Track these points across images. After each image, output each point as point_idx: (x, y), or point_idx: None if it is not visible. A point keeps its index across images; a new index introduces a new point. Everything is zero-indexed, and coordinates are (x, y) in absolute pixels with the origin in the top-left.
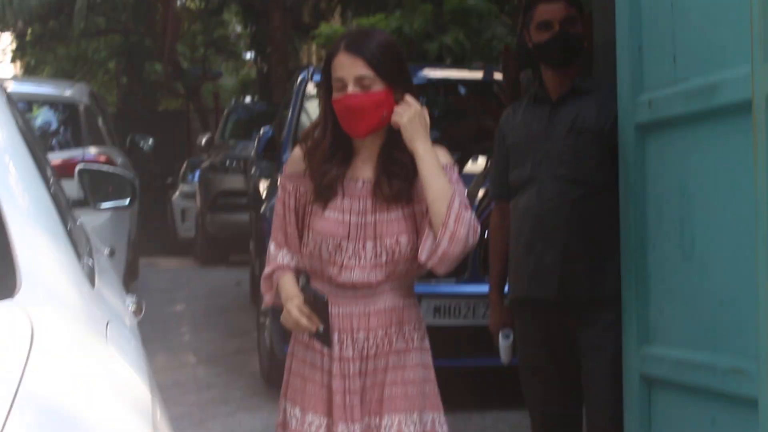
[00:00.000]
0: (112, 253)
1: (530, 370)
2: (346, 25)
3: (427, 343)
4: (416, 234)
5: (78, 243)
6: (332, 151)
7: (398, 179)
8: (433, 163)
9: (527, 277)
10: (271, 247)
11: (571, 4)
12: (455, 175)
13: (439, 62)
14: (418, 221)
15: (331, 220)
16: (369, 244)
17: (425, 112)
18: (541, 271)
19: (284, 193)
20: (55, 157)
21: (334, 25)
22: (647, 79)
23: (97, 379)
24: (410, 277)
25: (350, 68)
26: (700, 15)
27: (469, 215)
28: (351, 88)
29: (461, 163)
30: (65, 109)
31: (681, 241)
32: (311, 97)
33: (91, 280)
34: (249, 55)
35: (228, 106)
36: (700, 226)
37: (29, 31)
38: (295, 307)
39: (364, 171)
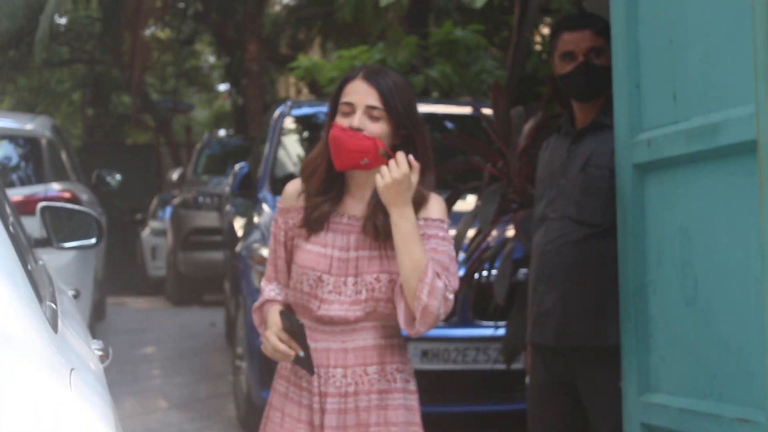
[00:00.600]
0: (76, 295)
1: (535, 419)
2: (326, 57)
3: (412, 386)
4: (397, 275)
5: (39, 285)
6: (327, 183)
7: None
8: (407, 231)
9: (531, 321)
10: (263, 281)
11: (599, 33)
12: (444, 230)
13: (424, 96)
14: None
15: (313, 253)
16: (350, 280)
17: (413, 175)
18: (540, 316)
19: (276, 226)
20: (16, 194)
21: (312, 57)
22: (646, 118)
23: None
24: (393, 317)
25: (364, 96)
26: (700, 53)
27: (440, 286)
28: (359, 115)
29: (449, 202)
30: (26, 143)
31: (683, 286)
32: (289, 131)
33: (54, 325)
34: (223, 87)
35: (201, 140)
36: (702, 270)
37: None
38: (272, 334)
39: (352, 207)
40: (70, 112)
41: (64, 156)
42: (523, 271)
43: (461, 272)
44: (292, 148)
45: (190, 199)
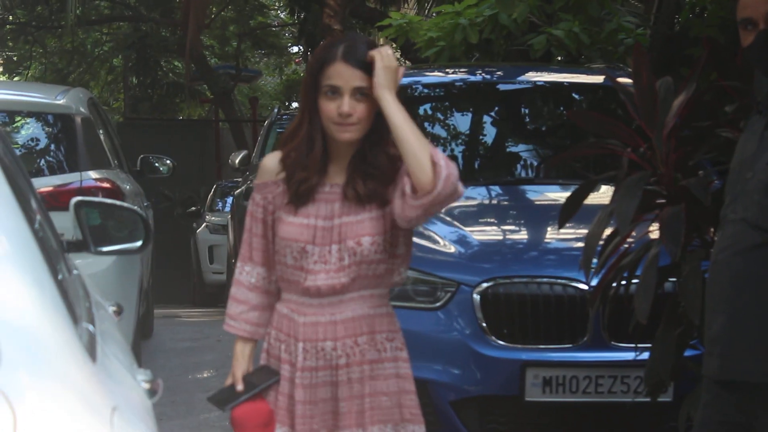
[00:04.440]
0: (118, 311)
1: None
2: (424, 14)
3: (404, 354)
4: (383, 236)
5: (74, 301)
6: (318, 158)
7: (373, 180)
8: (403, 115)
9: (705, 347)
10: (239, 262)
11: None
12: None
13: (546, 62)
14: (389, 223)
15: (295, 224)
16: (334, 248)
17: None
18: (708, 342)
19: (253, 204)
20: (44, 185)
21: (407, 13)
22: None
23: None
24: (381, 284)
25: (349, 79)
26: None
27: (453, 166)
28: (347, 99)
29: (580, 194)
30: (56, 121)
31: None
32: None
33: (92, 353)
34: (296, 50)
35: (270, 115)
36: None
37: (10, 18)
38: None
39: (334, 175)
40: (109, 81)
41: (102, 137)
42: (671, 281)
43: (594, 282)
44: None
45: None
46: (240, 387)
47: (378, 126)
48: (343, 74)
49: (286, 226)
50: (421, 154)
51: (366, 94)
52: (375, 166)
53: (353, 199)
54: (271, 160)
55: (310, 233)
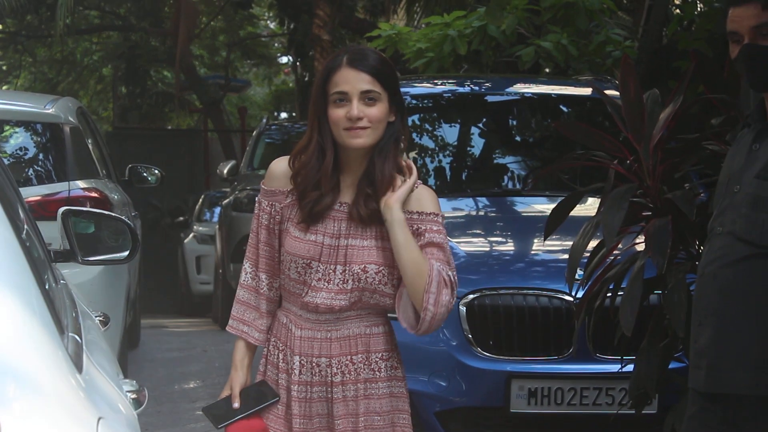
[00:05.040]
0: (105, 321)
1: None
2: (413, 25)
3: (399, 372)
4: (388, 268)
5: (60, 311)
6: (330, 169)
7: (372, 200)
8: (405, 234)
9: (690, 360)
10: (246, 264)
11: None
12: (438, 224)
13: (534, 73)
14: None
15: (303, 240)
16: (339, 269)
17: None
18: (695, 355)
19: (259, 209)
20: (32, 194)
21: (396, 24)
22: None
23: None
24: (380, 306)
25: (355, 83)
26: None
27: (447, 296)
28: (356, 104)
29: (566, 206)
30: (45, 130)
31: None
32: None
33: (78, 363)
34: (286, 60)
35: (258, 126)
36: None
37: (0, 27)
38: (237, 385)
39: (344, 193)
40: (99, 91)
41: (91, 146)
42: (656, 293)
43: (580, 294)
44: None
45: (243, 199)
46: (236, 404)
47: (388, 136)
48: (349, 79)
49: (293, 241)
50: (415, 290)
51: (375, 98)
52: (379, 183)
53: (356, 219)
54: (280, 166)
55: (316, 250)
